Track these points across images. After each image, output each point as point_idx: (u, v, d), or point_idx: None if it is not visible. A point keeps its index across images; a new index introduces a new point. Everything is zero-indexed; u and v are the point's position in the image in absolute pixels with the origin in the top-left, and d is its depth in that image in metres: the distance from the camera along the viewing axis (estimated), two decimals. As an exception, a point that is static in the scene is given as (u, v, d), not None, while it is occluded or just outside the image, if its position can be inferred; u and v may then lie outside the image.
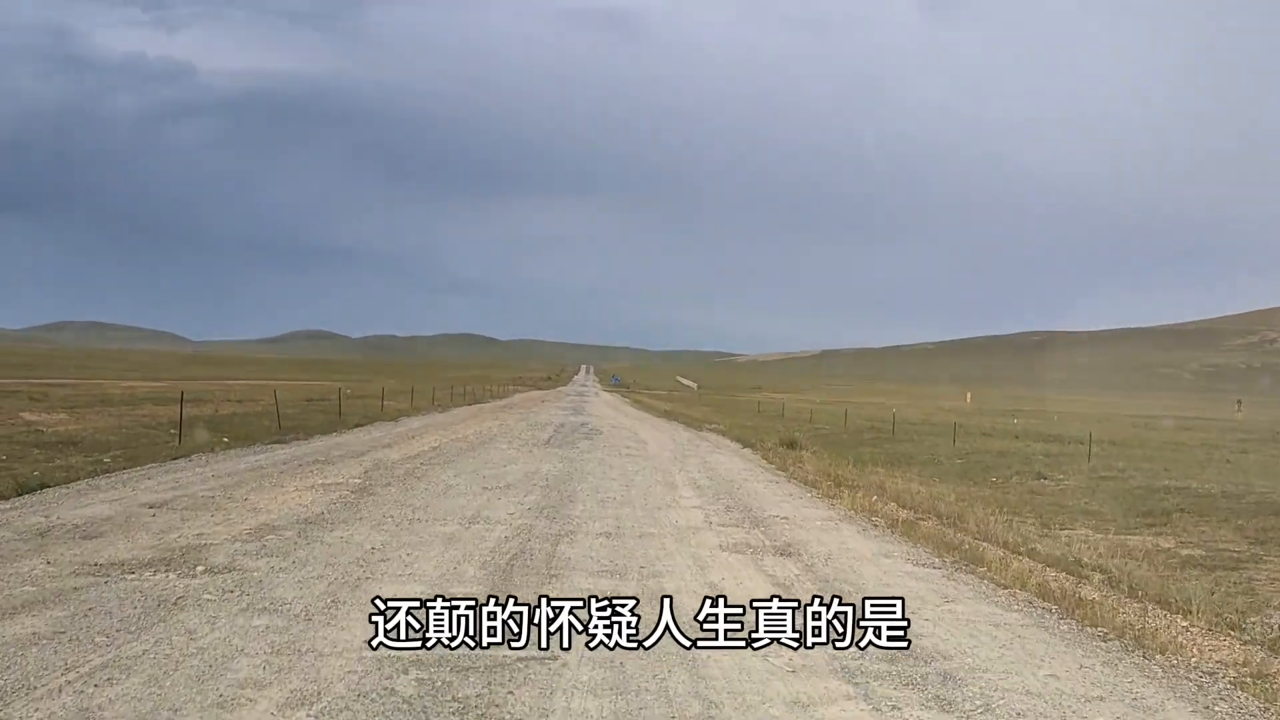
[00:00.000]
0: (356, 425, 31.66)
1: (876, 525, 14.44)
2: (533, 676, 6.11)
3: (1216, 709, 6.50)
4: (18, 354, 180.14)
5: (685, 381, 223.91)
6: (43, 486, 14.20)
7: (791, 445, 31.39)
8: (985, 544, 13.67)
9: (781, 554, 11.33)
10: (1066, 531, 18.91)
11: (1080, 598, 10.04)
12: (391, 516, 12.42)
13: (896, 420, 50.73)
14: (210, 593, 7.85)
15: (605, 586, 8.91)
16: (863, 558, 11.46)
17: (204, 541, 10.08)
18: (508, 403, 65.33)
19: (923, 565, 11.25)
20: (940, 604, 9.18)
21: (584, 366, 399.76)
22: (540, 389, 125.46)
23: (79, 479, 15.11)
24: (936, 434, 44.85)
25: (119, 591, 7.76)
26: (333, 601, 7.79)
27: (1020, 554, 13.48)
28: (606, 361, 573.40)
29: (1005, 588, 10.31)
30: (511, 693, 5.84)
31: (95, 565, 8.75)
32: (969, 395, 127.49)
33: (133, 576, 8.40)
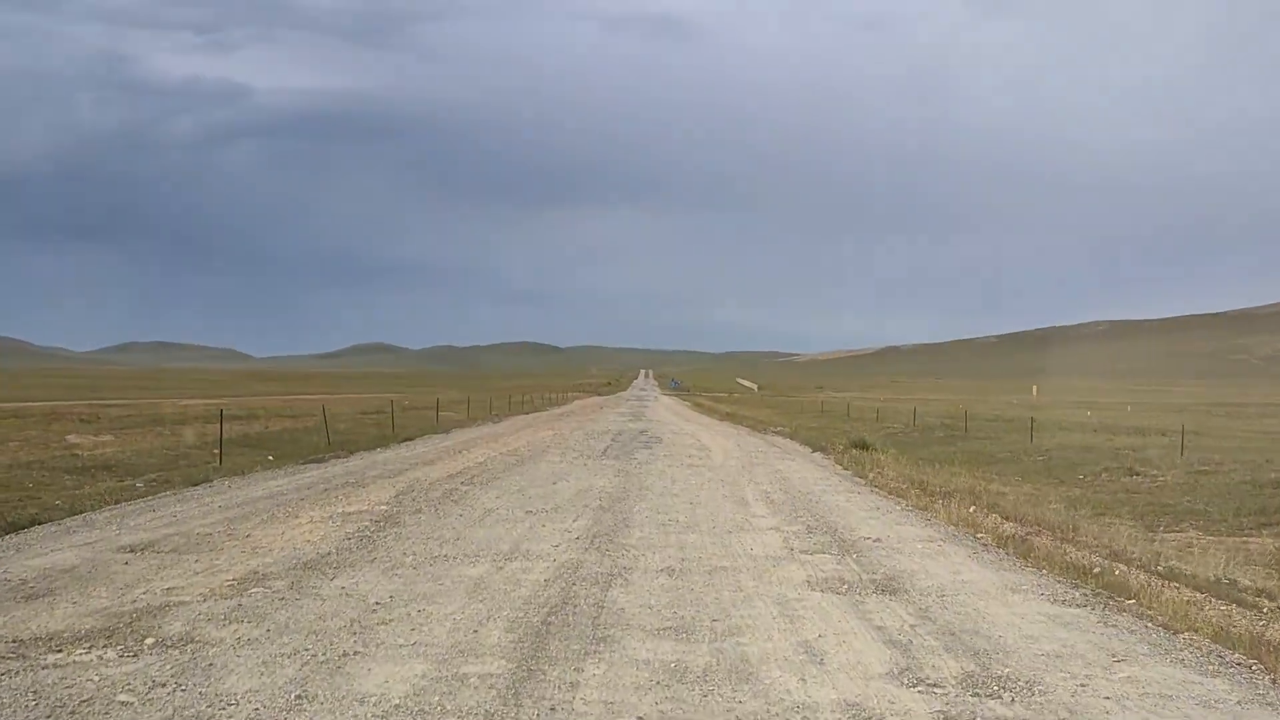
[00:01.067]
0: (405, 439, 30.18)
1: (985, 545, 12.18)
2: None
3: None
4: (85, 376, 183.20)
5: (745, 383, 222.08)
6: (35, 523, 12.51)
7: (863, 447, 29.11)
8: (1118, 564, 11.38)
9: (885, 592, 9.14)
10: (1174, 534, 16.68)
11: (1271, 642, 7.80)
12: (412, 554, 10.42)
13: (967, 416, 48.12)
14: (135, 687, 5.81)
15: (668, 653, 6.82)
16: (985, 593, 9.22)
17: (171, 599, 8.14)
18: (565, 410, 63.55)
19: (1062, 603, 8.97)
20: (1111, 666, 6.92)
21: (643, 371, 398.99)
22: (599, 395, 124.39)
23: (97, 508, 13.60)
24: (1011, 430, 42.57)
25: (11, 688, 5.80)
26: (299, 697, 5.75)
27: (1161, 576, 11.18)
28: (665, 365, 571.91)
29: (1175, 632, 8.04)
30: None
31: (14, 641, 6.83)
32: (1035, 388, 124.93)
33: (54, 657, 6.45)
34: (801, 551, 11.20)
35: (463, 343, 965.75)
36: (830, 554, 11.05)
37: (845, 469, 23.00)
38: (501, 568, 9.79)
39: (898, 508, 15.62)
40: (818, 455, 27.82)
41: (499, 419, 48.17)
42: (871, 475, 20.91)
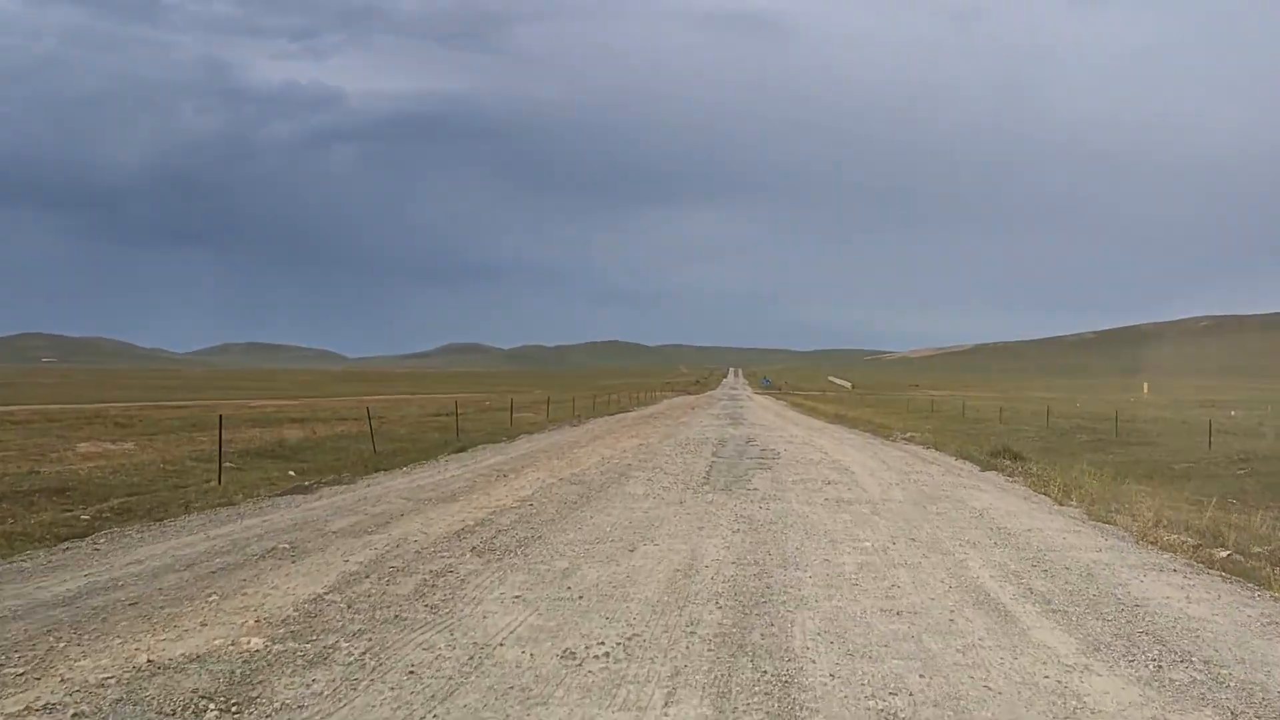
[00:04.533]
0: (458, 450, 24.24)
1: None
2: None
3: None
4: (180, 376, 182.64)
5: (838, 381, 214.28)
6: None
7: (1014, 456, 24.08)
8: None
9: None
10: None
11: None
12: None
13: (1117, 419, 42.13)
14: None
15: None
16: None
17: None
18: (653, 412, 56.15)
19: None
20: None
21: (731, 369, 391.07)
22: (690, 393, 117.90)
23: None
24: (1167, 433, 38.30)
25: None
26: None
27: None
28: (753, 364, 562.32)
29: None
30: None
31: None
32: (1146, 386, 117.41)
33: None
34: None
35: (551, 342, 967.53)
36: None
37: (1057, 501, 15.77)
38: None
39: (1252, 591, 8.17)
40: (991, 474, 20.37)
41: (579, 421, 41.87)
42: (1115, 514, 13.59)
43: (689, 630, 7.06)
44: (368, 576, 8.80)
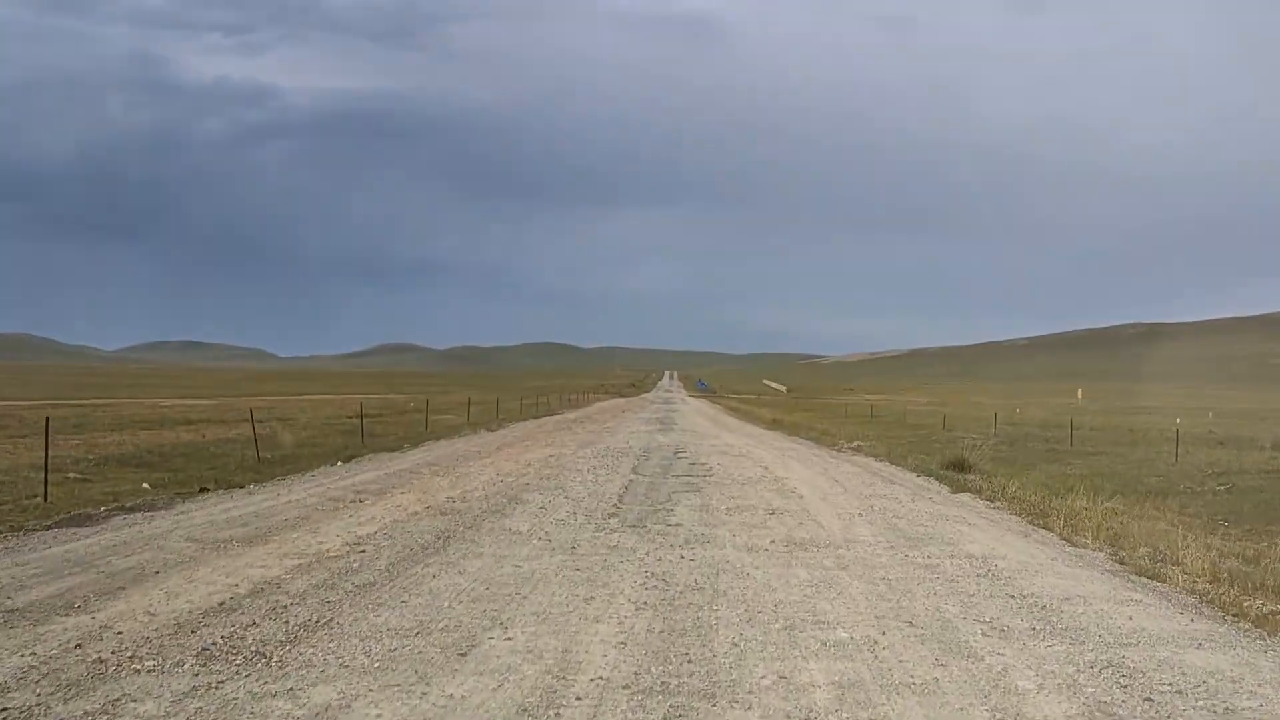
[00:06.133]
0: (347, 460, 21.26)
1: None
2: None
3: None
4: (96, 374, 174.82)
5: (773, 385, 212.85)
6: None
7: (963, 468, 21.59)
8: None
9: None
10: None
11: None
12: None
13: (1071, 426, 39.51)
14: None
15: None
16: None
17: None
18: (580, 415, 52.11)
19: None
20: None
21: (667, 372, 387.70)
22: (623, 396, 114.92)
23: None
24: (1123, 442, 36.28)
25: None
26: None
27: None
28: (690, 366, 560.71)
29: None
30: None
31: None
32: (1080, 392, 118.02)
33: None
34: None
35: (486, 343, 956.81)
36: None
37: (1066, 539, 12.46)
38: None
39: None
40: (965, 497, 16.99)
41: (500, 425, 38.20)
42: (1159, 563, 10.24)
43: None
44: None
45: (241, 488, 15.86)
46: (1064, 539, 12.32)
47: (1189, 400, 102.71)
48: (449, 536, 10.96)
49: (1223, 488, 21.88)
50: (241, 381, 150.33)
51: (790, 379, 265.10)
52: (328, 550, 9.91)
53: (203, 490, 15.46)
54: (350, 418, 37.77)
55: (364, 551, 9.86)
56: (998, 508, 15.52)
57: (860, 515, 13.54)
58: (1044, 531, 12.93)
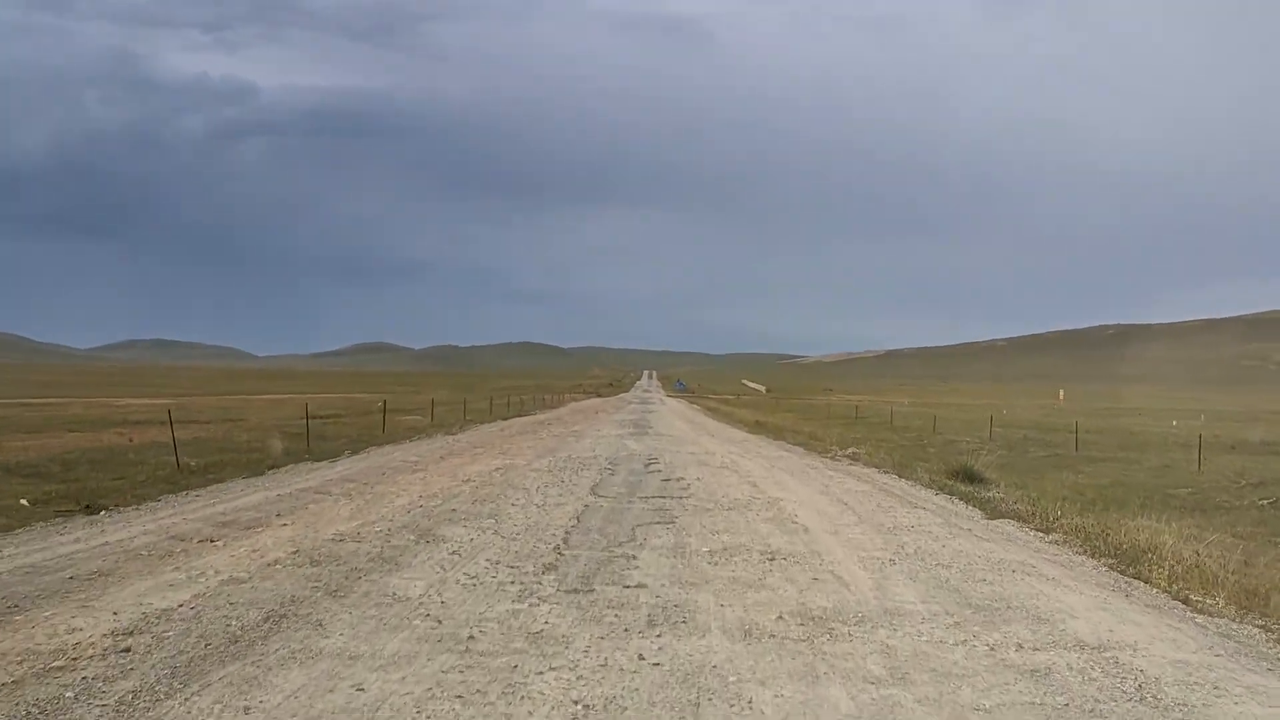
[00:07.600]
0: (272, 468, 19.30)
1: None
2: None
3: None
4: (59, 372, 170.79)
5: (752, 385, 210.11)
6: None
7: (969, 478, 19.62)
8: None
9: None
10: None
11: None
12: None
13: (1044, 428, 41.04)
14: None
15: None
16: None
17: None
18: (550, 417, 48.49)
19: None
20: None
21: (646, 372, 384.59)
22: (600, 396, 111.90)
23: None
24: (1126, 446, 34.99)
25: None
26: None
27: None
28: (669, 366, 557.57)
29: None
30: None
31: None
32: (1061, 394, 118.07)
33: None
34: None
35: (464, 342, 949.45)
36: None
37: (1178, 598, 9.20)
38: None
39: None
40: (1004, 524, 13.78)
41: (463, 428, 35.71)
42: None
43: None
44: None
45: (109, 510, 13.06)
46: (1175, 597, 9.02)
47: (1169, 402, 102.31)
48: (288, 613, 7.35)
49: (1265, 501, 19.99)
50: (213, 380, 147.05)
51: (769, 379, 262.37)
52: (74, 647, 6.22)
53: (87, 509, 12.96)
54: (311, 418, 34.97)
55: (127, 652, 6.18)
56: (1055, 541, 12.17)
57: (893, 562, 10.02)
58: (1143, 585, 9.41)
